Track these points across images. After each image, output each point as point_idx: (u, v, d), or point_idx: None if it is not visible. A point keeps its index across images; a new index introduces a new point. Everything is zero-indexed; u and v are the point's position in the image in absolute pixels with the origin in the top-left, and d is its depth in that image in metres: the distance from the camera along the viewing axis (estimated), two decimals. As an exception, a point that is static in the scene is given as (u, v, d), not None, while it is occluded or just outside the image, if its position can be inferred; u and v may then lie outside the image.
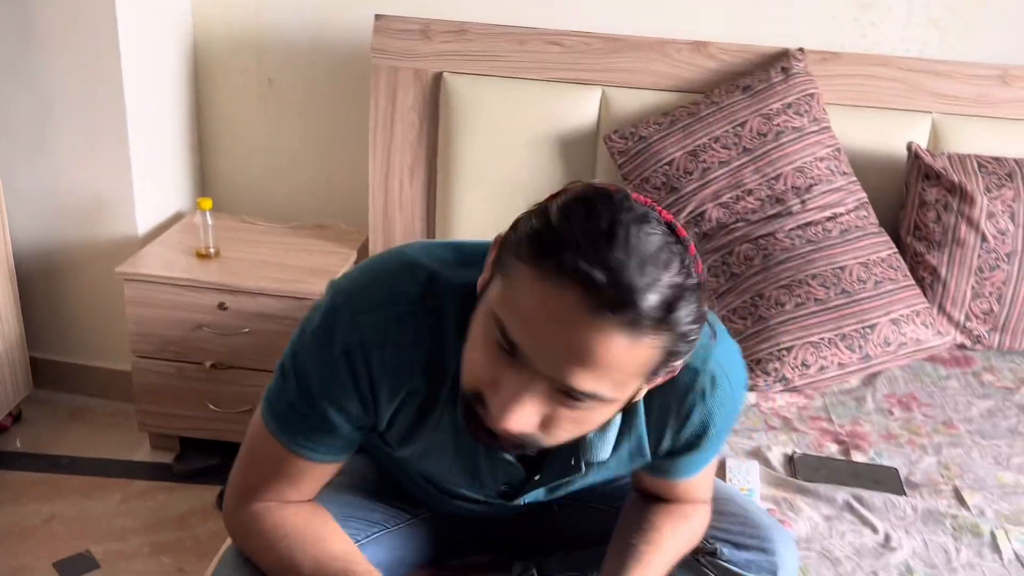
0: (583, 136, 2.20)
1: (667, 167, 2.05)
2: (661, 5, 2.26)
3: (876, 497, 1.51)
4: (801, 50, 2.12)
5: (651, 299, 0.75)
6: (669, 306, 0.76)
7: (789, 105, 2.04)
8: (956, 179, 2.00)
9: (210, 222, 2.23)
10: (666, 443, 1.04)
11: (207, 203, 2.22)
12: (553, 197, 0.82)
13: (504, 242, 0.84)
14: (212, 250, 2.25)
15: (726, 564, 1.14)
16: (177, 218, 2.49)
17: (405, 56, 2.20)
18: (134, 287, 2.16)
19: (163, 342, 2.21)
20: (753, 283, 1.94)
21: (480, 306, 0.86)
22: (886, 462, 1.63)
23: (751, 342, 1.87)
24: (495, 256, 0.86)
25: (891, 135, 2.13)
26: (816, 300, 1.88)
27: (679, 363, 0.84)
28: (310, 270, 2.23)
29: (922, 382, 1.91)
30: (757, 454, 1.62)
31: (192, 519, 2.14)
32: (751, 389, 1.84)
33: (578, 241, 0.76)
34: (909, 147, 2.08)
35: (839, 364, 1.85)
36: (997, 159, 2.05)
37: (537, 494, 1.10)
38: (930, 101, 2.14)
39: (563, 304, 0.76)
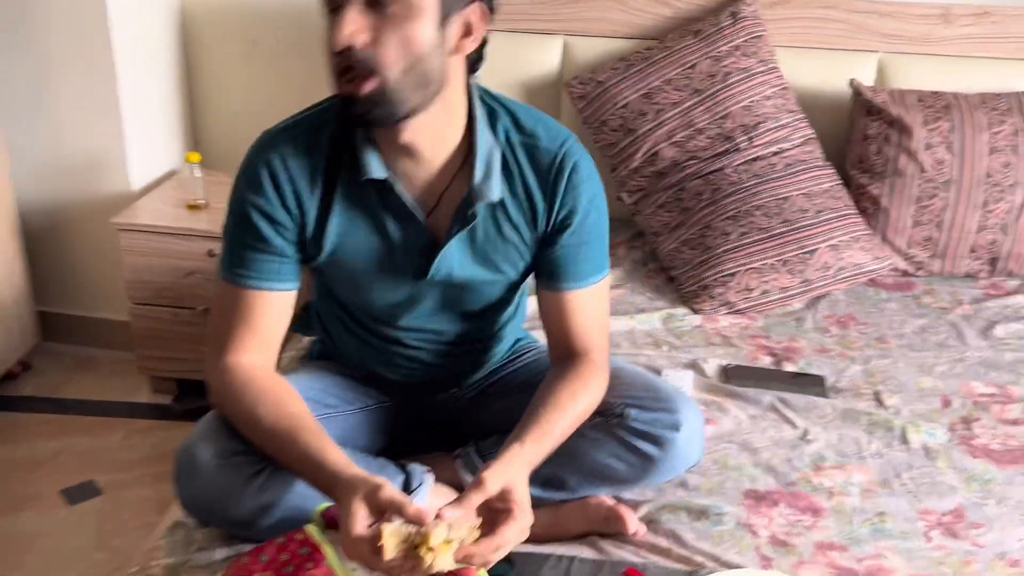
0: (547, 84, 2.31)
1: (623, 110, 2.16)
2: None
3: (800, 399, 1.64)
4: (751, -5, 2.23)
5: None
6: None
7: (737, 47, 2.14)
8: (896, 113, 2.10)
9: (198, 174, 2.37)
10: (540, 208, 1.22)
11: (195, 156, 2.37)
12: None
13: None
14: (202, 202, 2.39)
15: (633, 424, 1.28)
16: (170, 175, 2.63)
17: (376, 12, 2.32)
18: (129, 237, 2.31)
19: (158, 289, 2.36)
20: (702, 216, 2.06)
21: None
22: (814, 371, 1.75)
23: (699, 270, 2.00)
24: None
25: (839, 75, 2.23)
26: (759, 229, 2.00)
27: (474, 9, 1.12)
28: None
29: (862, 305, 2.02)
30: (693, 365, 1.75)
31: (189, 452, 2.30)
32: (696, 312, 1.97)
33: None
34: (851, 83, 2.18)
35: (780, 288, 1.97)
36: (935, 93, 2.15)
37: (446, 264, 1.25)
38: (876, 41, 2.24)
39: None
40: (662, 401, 1.31)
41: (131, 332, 2.44)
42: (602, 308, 1.32)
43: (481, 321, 1.39)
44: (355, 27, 1.05)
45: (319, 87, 2.63)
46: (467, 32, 1.12)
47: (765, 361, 1.79)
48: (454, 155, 1.20)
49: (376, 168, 1.17)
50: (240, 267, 1.20)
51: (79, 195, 2.51)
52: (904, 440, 1.56)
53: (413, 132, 1.14)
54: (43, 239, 2.58)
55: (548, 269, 1.28)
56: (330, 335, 1.45)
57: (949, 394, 1.70)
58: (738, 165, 2.09)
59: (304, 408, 1.20)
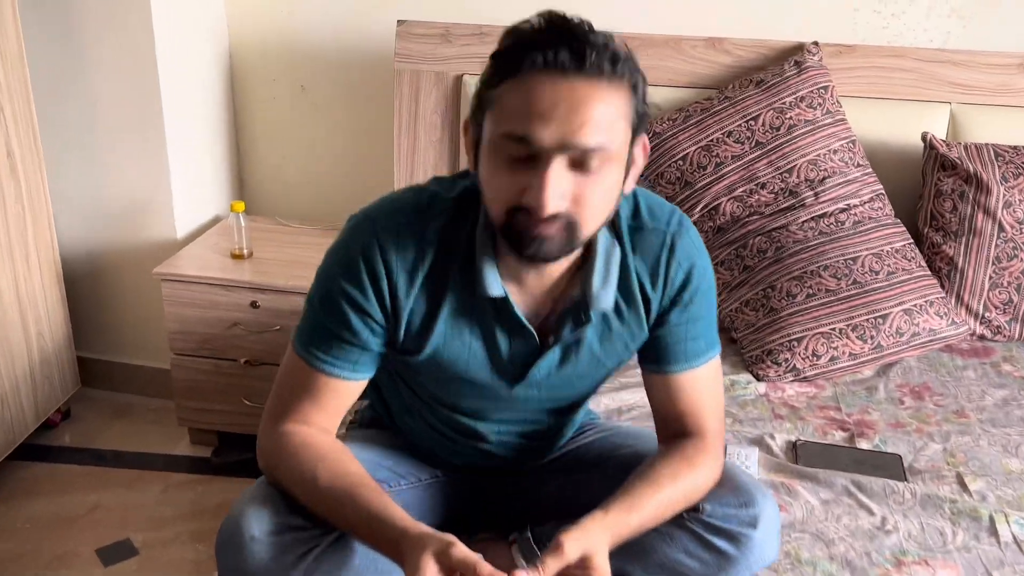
0: None
1: (681, 162, 2.09)
2: (676, 2, 2.31)
3: (876, 483, 1.53)
4: (816, 43, 2.15)
5: (604, 55, 0.97)
6: (617, 57, 0.98)
7: (802, 98, 2.07)
8: (972, 168, 2.01)
9: (243, 223, 2.34)
10: (654, 300, 1.17)
11: (240, 206, 2.33)
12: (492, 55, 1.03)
13: (472, 111, 1.05)
14: (245, 251, 2.35)
15: (708, 519, 1.19)
16: (215, 221, 2.61)
17: (427, 59, 2.29)
18: (171, 287, 2.28)
19: (200, 340, 2.32)
20: (766, 275, 1.97)
21: (480, 160, 1.04)
22: (890, 449, 1.65)
23: (762, 333, 1.91)
24: (471, 135, 1.06)
25: (908, 126, 2.14)
26: (827, 291, 1.90)
27: (644, 137, 1.07)
28: None
29: (938, 372, 1.92)
30: (759, 442, 1.66)
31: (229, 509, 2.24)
32: (760, 379, 1.88)
33: (531, 38, 0.97)
34: (924, 137, 2.09)
35: (850, 354, 1.87)
36: (1014, 148, 2.05)
37: (551, 363, 1.20)
38: (948, 91, 2.15)
39: (546, 83, 0.96)
40: (740, 494, 1.22)
41: (171, 382, 2.39)
42: (715, 388, 1.26)
43: (564, 414, 1.34)
44: (561, 192, 1.00)
45: (367, 135, 2.63)
46: (631, 166, 1.09)
47: (836, 436, 1.69)
48: (576, 258, 1.15)
49: (494, 285, 1.12)
50: (318, 348, 1.15)
51: (122, 241, 2.49)
52: (993, 531, 1.44)
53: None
54: (85, 284, 2.57)
55: (655, 352, 1.22)
56: (390, 411, 1.40)
57: (1039, 478, 1.58)
58: (803, 222, 2.01)
59: (363, 469, 1.16)
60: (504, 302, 1.14)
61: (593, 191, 1.01)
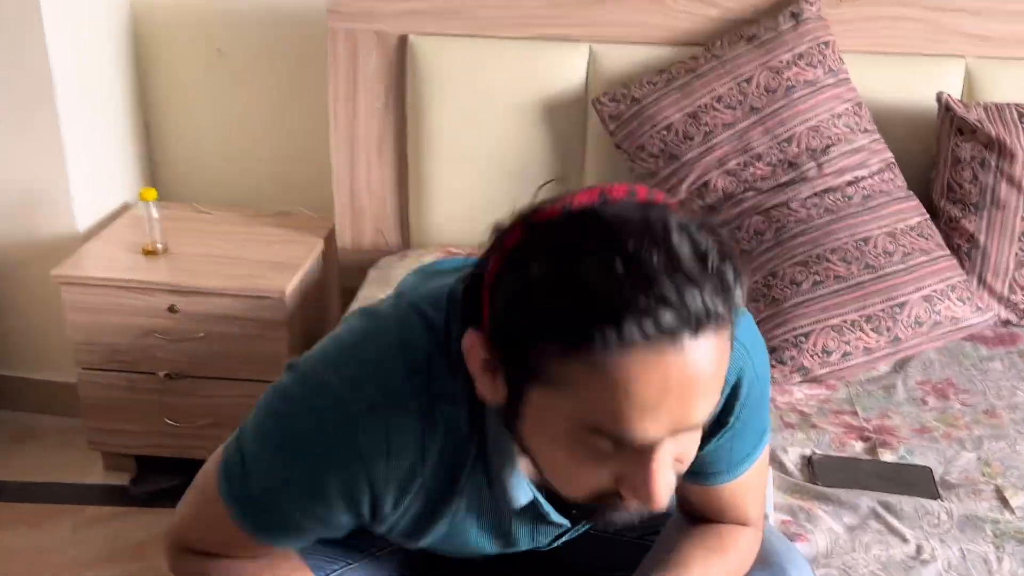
0: (570, 100, 2.17)
1: (665, 132, 2.02)
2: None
3: (906, 502, 1.48)
4: (813, -9, 2.07)
5: (709, 295, 0.74)
6: (721, 280, 0.76)
7: (800, 55, 2.00)
8: (993, 132, 1.96)
9: (155, 214, 2.21)
10: None
11: (151, 193, 2.19)
12: (504, 254, 0.79)
13: (498, 339, 0.80)
14: (160, 246, 2.23)
15: None
16: (122, 211, 2.47)
17: (364, 17, 2.17)
18: (74, 291, 2.14)
19: (110, 351, 2.19)
20: (765, 260, 1.91)
21: (525, 428, 0.83)
22: (918, 460, 1.60)
23: (764, 328, 1.84)
24: (486, 359, 0.82)
25: (919, 85, 2.10)
26: (837, 277, 1.85)
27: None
28: (271, 264, 2.21)
29: (961, 365, 1.88)
30: (771, 457, 1.59)
31: (151, 548, 2.12)
32: (765, 381, 1.81)
33: (608, 298, 0.72)
34: (939, 98, 2.04)
35: (865, 349, 1.82)
36: (1040, 107, 2.01)
37: (575, 533, 1.09)
38: (963, 44, 2.11)
39: (647, 367, 0.74)
40: (767, 564, 1.13)
41: (79, 400, 2.27)
42: (760, 482, 1.14)
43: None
44: (671, 473, 0.82)
45: (296, 105, 2.50)
46: None
47: (856, 448, 1.64)
48: None
49: (523, 495, 0.95)
50: (268, 530, 0.97)
51: (13, 239, 2.35)
52: (1043, 556, 1.39)
53: None
54: (-29, 291, 2.41)
55: (695, 471, 1.04)
56: None
57: (1087, 489, 1.53)
58: (806, 198, 1.95)
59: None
60: (532, 506, 0.98)
61: (693, 443, 0.84)
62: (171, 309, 2.14)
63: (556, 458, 0.83)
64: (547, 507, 0.98)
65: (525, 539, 1.06)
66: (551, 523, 1.03)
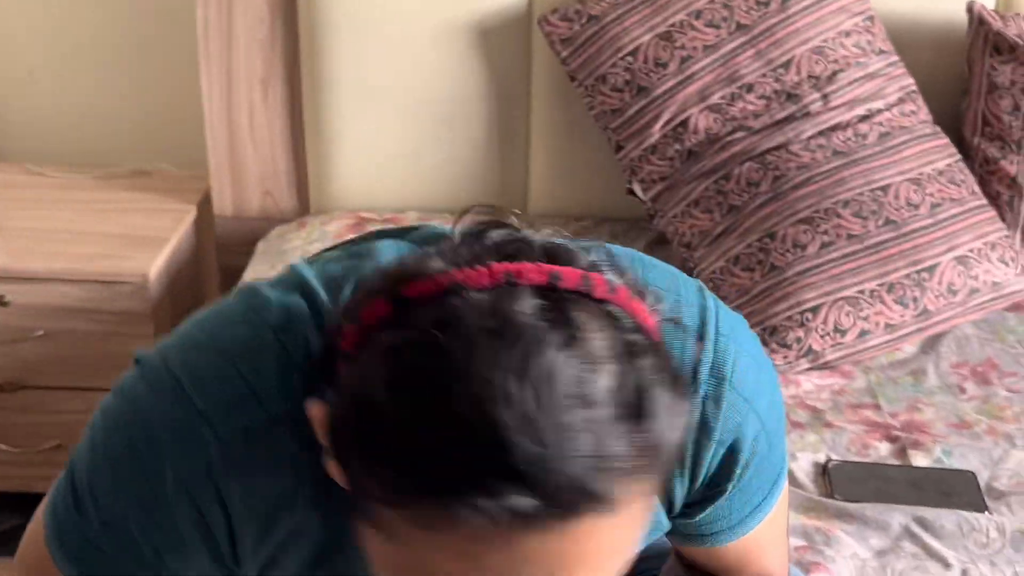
0: (510, 21, 2.17)
1: (631, 58, 2.02)
2: None
3: (946, 517, 1.50)
4: None
5: (601, 461, 0.67)
6: (633, 423, 0.68)
7: (798, -43, 2.02)
8: (1038, 50, 2.00)
9: (-24, 178, 2.15)
10: (679, 488, 0.99)
11: (-32, 151, 2.13)
12: (379, 348, 0.72)
13: (334, 440, 0.76)
14: (-18, 220, 2.17)
15: None
16: (-69, 175, 2.40)
17: (242, -83, 2.15)
18: None
19: (-82, 358, 2.15)
20: (761, 218, 1.92)
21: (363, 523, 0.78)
22: (958, 464, 1.63)
23: (762, 303, 1.86)
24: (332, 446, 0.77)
25: (944, -6, 2.13)
26: (850, 237, 1.87)
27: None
28: (129, 239, 2.19)
29: (1004, 341, 1.92)
30: (777, 467, 1.60)
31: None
32: (766, 370, 1.82)
33: (459, 467, 0.66)
34: (970, 8, 2.06)
35: (887, 326, 1.85)
36: (1095, 18, 2.05)
37: None
38: (996, -60, 2.14)
39: (493, 548, 0.69)
40: None
41: None
42: (778, 533, 1.13)
43: None
44: None
45: (154, 34, 2.44)
46: None
47: (882, 450, 1.66)
48: None
49: None
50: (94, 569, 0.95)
51: None
52: (1115, 578, 1.41)
53: None
54: None
55: (687, 533, 1.06)
56: None
57: None
58: (809, 138, 1.97)
59: None
60: None
61: None
62: (0, 302, 2.09)
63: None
64: None
65: None
66: None
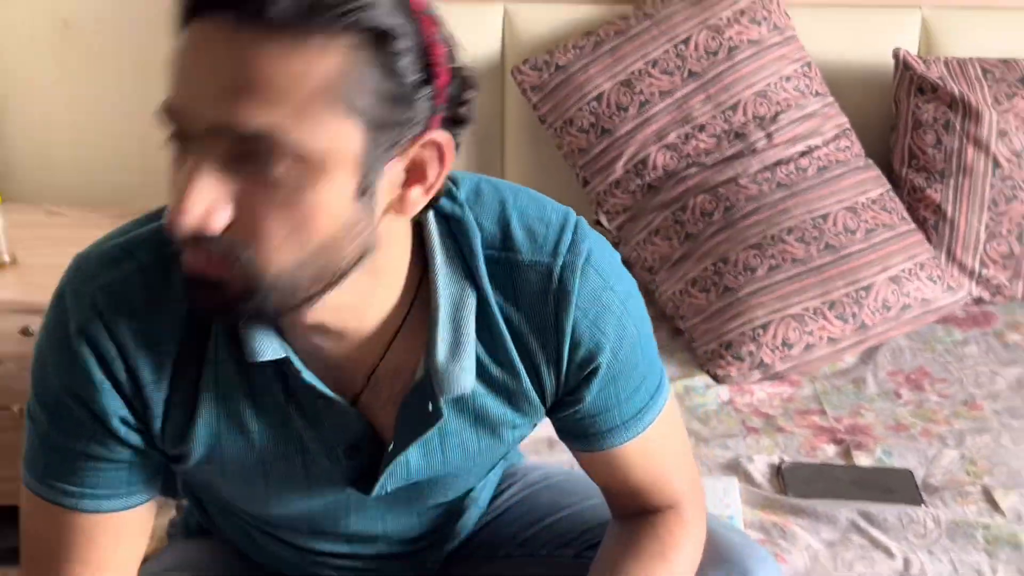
0: (484, 69, 2.15)
1: (595, 103, 2.02)
2: None
3: (889, 511, 1.50)
4: (753, -61, 2.08)
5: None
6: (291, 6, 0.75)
7: (742, 11, 2.02)
8: (956, 90, 2.00)
9: (1, 221, 2.11)
10: (549, 378, 0.99)
11: (-7, 196, 2.10)
12: None
13: None
14: (6, 258, 2.14)
15: None
16: (-43, 217, 2.36)
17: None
18: (-97, 316, 2.04)
19: (-49, 385, 2.10)
20: (714, 245, 1.92)
21: None
22: (897, 462, 1.62)
23: (717, 321, 1.86)
24: None
25: (872, 41, 2.13)
26: (795, 260, 1.87)
27: (433, 133, 0.83)
28: None
29: (934, 351, 1.92)
30: (735, 467, 1.61)
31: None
32: (721, 381, 1.82)
33: None
34: (896, 54, 2.07)
35: (829, 339, 1.85)
36: (1005, 62, 2.06)
37: (401, 472, 1.02)
38: (918, -8, 2.15)
39: (199, 36, 0.78)
40: (725, 562, 1.13)
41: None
42: (675, 443, 1.13)
43: (453, 503, 1.19)
44: (209, 202, 0.78)
45: (161, 80, 2.43)
46: (416, 178, 0.86)
47: (829, 452, 1.65)
48: (390, 317, 0.94)
49: (268, 346, 0.91)
50: (68, 481, 0.96)
51: None
52: (1039, 562, 1.42)
53: (319, 313, 0.88)
54: None
55: (580, 429, 1.05)
56: (211, 518, 1.24)
57: (1080, 484, 1.57)
58: (756, 172, 1.97)
59: None
60: (287, 367, 0.93)
61: (274, 211, 0.79)
62: (24, 332, 2.05)
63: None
64: (299, 364, 0.92)
65: (307, 430, 0.98)
66: (322, 403, 0.95)
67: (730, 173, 1.96)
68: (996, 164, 1.99)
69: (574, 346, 0.96)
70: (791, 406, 1.77)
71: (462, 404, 0.97)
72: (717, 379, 1.83)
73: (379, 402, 0.98)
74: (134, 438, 0.95)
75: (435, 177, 0.85)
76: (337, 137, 0.78)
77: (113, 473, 0.97)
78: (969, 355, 1.90)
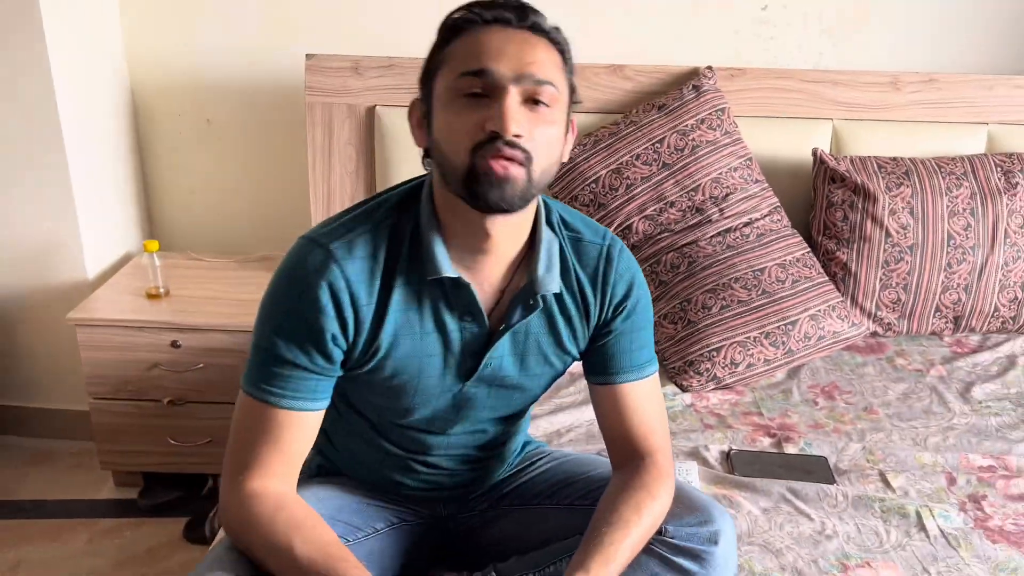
0: None
1: (594, 185, 2.01)
2: (578, 31, 2.22)
3: (809, 488, 1.49)
4: (710, 68, 2.10)
5: (542, 19, 1.02)
6: (549, 28, 1.02)
7: (702, 120, 2.02)
8: (859, 180, 2.01)
9: (157, 263, 2.13)
10: (594, 305, 1.13)
11: (153, 245, 2.12)
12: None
13: (421, 83, 1.03)
14: (162, 290, 2.15)
15: (672, 540, 1.11)
16: (126, 259, 2.38)
17: (338, 92, 2.14)
18: (87, 332, 2.06)
19: (119, 382, 2.11)
20: (681, 289, 1.92)
21: (434, 121, 1.01)
22: (815, 451, 1.62)
23: (682, 345, 1.85)
24: (417, 115, 1.05)
25: (797, 142, 2.13)
26: (740, 302, 1.86)
27: (572, 117, 1.05)
28: (258, 303, 2.13)
29: (842, 371, 1.91)
30: (695, 454, 1.60)
31: (160, 553, 2.04)
32: (685, 390, 1.82)
33: (476, 7, 1.00)
34: (815, 153, 2.08)
35: (765, 360, 1.84)
36: (895, 159, 2.06)
37: (501, 353, 1.11)
38: (831, 109, 2.15)
39: (495, 31, 0.98)
40: (698, 512, 1.15)
41: (91, 425, 2.16)
42: (660, 404, 1.20)
43: (510, 423, 1.24)
44: (520, 118, 0.97)
45: (277, 166, 2.46)
46: (568, 131, 1.07)
47: (765, 443, 1.65)
48: (521, 248, 1.09)
49: (445, 266, 1.04)
50: (274, 384, 1.03)
51: (32, 284, 2.24)
52: (921, 527, 1.41)
53: (501, 226, 1.03)
54: (-7, 333, 2.29)
55: (603, 360, 1.16)
56: (334, 445, 1.28)
57: (950, 469, 1.57)
58: (711, 237, 1.97)
59: (336, 537, 1.05)
60: (455, 283, 1.06)
61: (545, 129, 0.98)
62: (173, 344, 2.07)
63: (445, 119, 0.99)
64: (471, 286, 1.06)
65: (456, 335, 1.08)
66: (475, 315, 1.07)
67: (692, 237, 1.97)
68: (888, 234, 1.99)
69: (613, 294, 1.13)
70: (737, 409, 1.77)
71: (542, 311, 1.11)
72: (682, 388, 1.83)
73: (498, 314, 1.10)
74: (336, 353, 1.03)
75: (572, 140, 1.06)
76: (566, 91, 1.01)
77: (307, 382, 1.03)
78: (868, 374, 1.90)
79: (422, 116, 1.04)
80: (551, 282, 1.08)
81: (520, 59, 0.97)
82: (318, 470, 1.33)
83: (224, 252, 2.45)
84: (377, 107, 2.14)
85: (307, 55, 2.13)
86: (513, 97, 0.96)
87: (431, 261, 1.03)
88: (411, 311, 1.06)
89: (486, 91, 0.96)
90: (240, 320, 2.07)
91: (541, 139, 0.98)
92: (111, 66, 2.26)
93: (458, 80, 0.97)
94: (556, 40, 1.02)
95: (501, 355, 1.12)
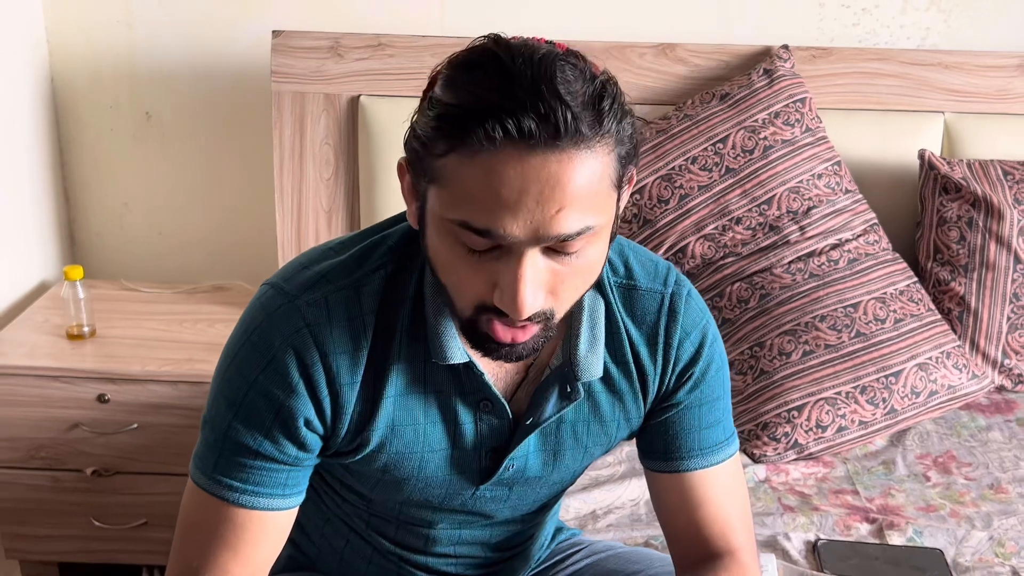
0: None
1: (637, 196, 2.02)
2: (619, 4, 2.24)
3: (922, 590, 1.47)
4: (785, 47, 2.11)
5: (576, 110, 0.84)
6: (594, 106, 0.86)
7: (777, 114, 2.03)
8: (979, 190, 2.00)
9: (82, 294, 2.15)
10: (653, 374, 1.10)
11: (77, 271, 2.13)
12: (427, 89, 0.92)
13: (410, 161, 0.93)
14: (86, 329, 2.16)
15: None
16: (41, 290, 2.40)
17: (312, 78, 2.16)
18: (-11, 382, 2.06)
19: (31, 447, 2.11)
20: (750, 330, 1.91)
21: (427, 233, 0.94)
22: (928, 542, 1.60)
23: (754, 402, 1.85)
24: (409, 182, 0.95)
25: (898, 142, 2.14)
26: (827, 346, 1.86)
27: (632, 168, 0.94)
28: (209, 346, 2.15)
29: (959, 436, 1.89)
30: (773, 544, 1.58)
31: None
32: (758, 460, 1.80)
33: (485, 102, 0.84)
34: (921, 155, 2.07)
35: (860, 423, 1.83)
36: (1023, 163, 2.06)
37: (526, 452, 1.09)
38: (940, 99, 2.15)
39: (510, 163, 0.84)
40: None
41: (-6, 503, 2.17)
42: (741, 489, 1.17)
43: (536, 516, 1.23)
44: (538, 287, 0.90)
45: (236, 172, 2.47)
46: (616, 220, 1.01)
47: (862, 530, 1.63)
48: None
49: (455, 350, 1.01)
50: (233, 478, 1.01)
51: (-81, 325, 2.25)
52: (1069, 642, 1.39)
53: None
54: None
55: (663, 443, 1.12)
56: (308, 535, 1.27)
57: (1105, 566, 1.54)
58: (789, 263, 1.97)
59: None
60: (468, 370, 1.03)
61: (574, 278, 0.93)
62: (100, 399, 2.07)
63: (441, 257, 0.93)
64: (480, 368, 1.03)
65: (470, 432, 1.07)
66: (493, 407, 1.05)
67: (765, 263, 1.97)
68: (1017, 259, 1.99)
69: (677, 357, 1.09)
70: (825, 486, 1.75)
71: (585, 399, 1.08)
72: (754, 458, 1.81)
73: (521, 400, 1.08)
74: (310, 439, 1.02)
75: (625, 199, 0.98)
76: (612, 207, 0.91)
77: (275, 474, 1.02)
78: (993, 440, 1.88)
79: (412, 194, 0.96)
80: (594, 364, 1.04)
81: (543, 212, 0.85)
82: (288, 563, 1.32)
83: (165, 281, 2.46)
84: (362, 97, 2.16)
85: (273, 31, 2.15)
86: (530, 263, 0.88)
87: (436, 339, 1.00)
88: (412, 396, 1.04)
89: (495, 245, 0.88)
90: (185, 368, 2.07)
91: (569, 290, 0.93)
92: (27, 46, 2.28)
93: (458, 229, 0.88)
94: (607, 132, 0.87)
95: (526, 454, 1.09)
